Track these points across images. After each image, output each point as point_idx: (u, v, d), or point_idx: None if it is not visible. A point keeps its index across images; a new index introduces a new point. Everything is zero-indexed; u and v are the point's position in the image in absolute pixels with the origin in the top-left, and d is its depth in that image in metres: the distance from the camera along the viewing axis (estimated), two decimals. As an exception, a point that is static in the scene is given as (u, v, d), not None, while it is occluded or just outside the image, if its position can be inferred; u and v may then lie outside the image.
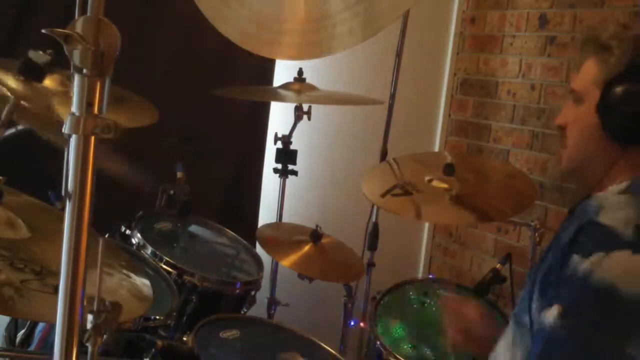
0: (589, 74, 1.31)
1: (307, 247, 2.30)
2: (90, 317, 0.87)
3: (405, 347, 1.98)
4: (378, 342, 1.93)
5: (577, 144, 1.34)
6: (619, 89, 1.23)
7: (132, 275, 1.44)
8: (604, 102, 1.25)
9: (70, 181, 0.79)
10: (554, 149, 1.47)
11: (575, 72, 1.37)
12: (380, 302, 2.08)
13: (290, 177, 2.60)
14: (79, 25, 0.76)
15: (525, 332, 1.27)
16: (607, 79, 1.25)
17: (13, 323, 1.85)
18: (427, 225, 3.36)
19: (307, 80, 2.48)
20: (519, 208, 2.05)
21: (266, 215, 2.87)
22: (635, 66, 1.24)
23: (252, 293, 2.21)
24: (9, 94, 1.48)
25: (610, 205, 1.23)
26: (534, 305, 1.23)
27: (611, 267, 1.12)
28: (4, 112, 1.46)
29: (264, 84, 2.77)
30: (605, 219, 1.20)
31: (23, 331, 1.78)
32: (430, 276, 3.08)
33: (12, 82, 1.52)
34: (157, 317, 1.83)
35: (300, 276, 2.29)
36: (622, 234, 1.16)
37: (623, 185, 1.26)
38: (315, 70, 2.54)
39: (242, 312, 2.19)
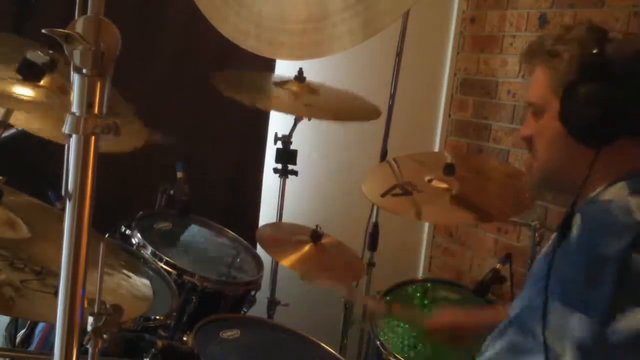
0: (541, 83, 1.30)
1: (307, 247, 2.30)
2: (90, 319, 0.87)
3: (405, 347, 1.98)
4: (378, 342, 1.93)
5: (547, 154, 1.32)
6: (577, 93, 1.21)
7: (132, 275, 1.44)
8: (566, 109, 1.23)
9: (70, 181, 0.79)
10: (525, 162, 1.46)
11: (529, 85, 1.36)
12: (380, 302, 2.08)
13: (290, 177, 2.60)
14: (79, 25, 0.76)
15: (530, 340, 1.22)
16: (562, 85, 1.24)
17: (13, 323, 1.86)
18: (427, 225, 3.35)
19: (308, 80, 2.48)
20: (519, 208, 2.05)
21: (266, 215, 2.87)
22: (586, 66, 1.22)
23: (252, 293, 2.21)
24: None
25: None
26: (556, 316, 1.17)
27: None
28: (3, 113, 1.46)
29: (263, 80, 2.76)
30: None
31: (23, 331, 1.78)
32: (430, 276, 3.08)
33: (11, 82, 1.52)
34: (157, 317, 1.83)
35: (301, 276, 2.29)
36: None
37: (600, 189, 1.24)
38: (315, 70, 2.54)
39: (242, 312, 2.20)
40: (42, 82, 1.46)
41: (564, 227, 1.22)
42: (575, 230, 1.20)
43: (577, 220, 1.20)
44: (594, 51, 1.22)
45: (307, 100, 2.42)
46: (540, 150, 1.33)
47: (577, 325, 1.12)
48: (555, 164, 1.32)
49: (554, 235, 1.35)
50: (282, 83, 2.50)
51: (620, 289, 1.08)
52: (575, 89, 1.22)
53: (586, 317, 1.11)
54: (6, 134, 1.54)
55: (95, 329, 0.86)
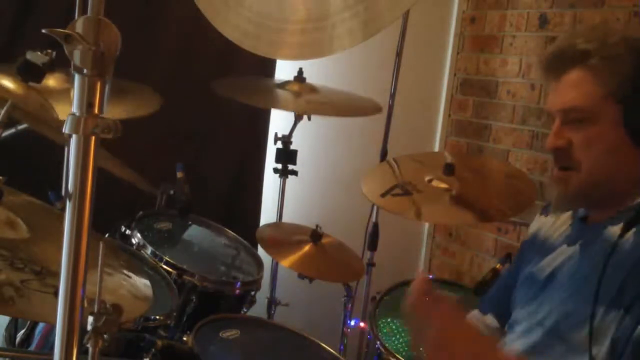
0: (588, 89, 1.19)
1: (307, 247, 2.30)
2: (90, 319, 0.87)
3: (405, 347, 1.98)
4: (378, 342, 1.93)
5: (601, 164, 1.20)
6: None
7: (132, 275, 1.44)
8: (632, 115, 1.14)
9: (70, 181, 0.79)
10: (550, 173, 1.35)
11: (554, 90, 1.25)
12: (380, 302, 2.09)
13: (290, 177, 2.60)
14: (79, 25, 0.76)
15: (574, 348, 1.17)
16: (621, 89, 1.15)
17: (13, 323, 1.85)
18: (427, 225, 3.36)
19: (307, 80, 2.48)
20: (519, 208, 2.04)
21: (266, 215, 2.87)
22: None
23: (252, 293, 2.21)
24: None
25: None
26: (610, 315, 1.12)
27: None
28: (3, 113, 1.46)
29: (264, 85, 2.76)
30: None
31: (23, 331, 1.78)
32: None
33: (10, 82, 1.52)
34: (157, 317, 1.83)
35: (300, 276, 2.29)
36: None
37: None
38: (315, 70, 2.54)
39: (242, 312, 2.20)
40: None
41: (630, 225, 1.14)
42: (630, 240, 1.14)
43: (629, 231, 1.14)
44: None
45: (308, 98, 2.43)
46: (589, 160, 1.21)
47: (616, 323, 1.10)
48: (609, 173, 1.21)
49: (567, 247, 1.31)
50: (283, 84, 2.51)
51: None
52: (637, 91, 1.13)
53: (626, 314, 1.09)
54: (6, 133, 1.54)
55: (96, 329, 0.86)
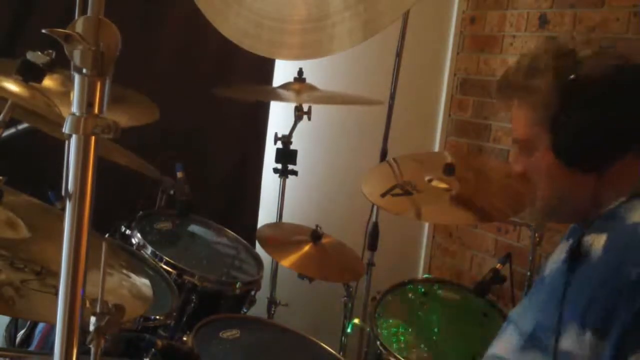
0: (524, 119, 1.26)
1: (307, 247, 2.30)
2: (92, 319, 0.87)
3: (405, 347, 1.98)
4: (378, 342, 1.93)
5: (548, 188, 1.28)
6: (565, 123, 1.18)
7: (132, 275, 1.44)
8: (558, 141, 1.20)
9: (70, 181, 0.79)
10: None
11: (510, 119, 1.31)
12: (380, 302, 2.09)
13: (290, 177, 2.60)
14: (79, 25, 0.76)
15: (548, 357, 1.17)
16: (547, 117, 1.20)
17: (13, 323, 1.86)
18: (427, 225, 3.35)
19: (307, 80, 2.48)
20: (519, 208, 2.05)
21: (266, 215, 2.87)
22: (567, 95, 1.18)
23: (252, 293, 2.21)
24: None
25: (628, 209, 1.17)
26: (572, 337, 1.13)
27: None
28: (3, 112, 1.46)
29: (263, 84, 2.77)
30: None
31: (23, 331, 1.78)
32: (430, 276, 3.08)
33: (11, 82, 1.53)
34: (157, 317, 1.83)
35: (300, 276, 2.29)
36: None
37: (617, 203, 1.20)
38: (315, 70, 2.54)
39: (242, 312, 2.20)
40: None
41: (577, 252, 1.18)
42: (598, 249, 1.15)
43: (600, 239, 1.16)
44: (571, 77, 1.18)
45: (309, 94, 2.43)
46: (540, 184, 1.29)
47: (590, 346, 1.09)
48: (559, 195, 1.27)
49: (563, 244, 1.32)
50: (283, 86, 2.51)
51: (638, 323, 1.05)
52: (563, 119, 1.18)
53: (601, 340, 1.08)
54: (6, 133, 1.54)
55: (98, 329, 0.86)
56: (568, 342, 1.13)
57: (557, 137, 1.20)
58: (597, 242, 1.17)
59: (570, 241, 1.30)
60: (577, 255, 1.18)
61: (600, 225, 1.19)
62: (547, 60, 1.22)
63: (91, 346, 0.86)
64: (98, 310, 0.86)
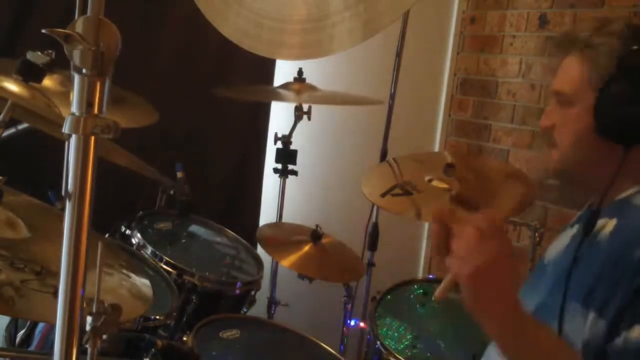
0: (575, 73, 1.25)
1: (307, 247, 2.30)
2: (89, 319, 0.87)
3: (405, 347, 1.98)
4: (378, 342, 1.93)
5: (571, 146, 1.27)
6: (617, 90, 1.17)
7: (132, 275, 1.44)
8: (602, 105, 1.19)
9: (70, 181, 0.79)
10: (539, 148, 1.40)
11: (556, 72, 1.30)
12: (380, 302, 2.08)
13: (290, 177, 2.60)
14: (79, 25, 0.76)
15: None
16: (599, 78, 1.19)
17: (13, 323, 1.85)
18: (427, 225, 3.35)
19: (307, 80, 2.48)
20: (519, 208, 2.04)
21: (266, 215, 2.87)
22: (626, 62, 1.18)
23: (252, 293, 2.21)
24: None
25: None
26: (576, 318, 1.13)
27: None
28: (3, 113, 1.46)
29: (263, 84, 2.77)
30: None
31: (23, 331, 1.78)
32: (430, 276, 3.08)
33: (11, 82, 1.53)
34: (157, 317, 1.83)
35: (300, 276, 2.29)
36: None
37: (633, 191, 1.20)
38: (315, 70, 2.54)
39: (242, 312, 2.20)
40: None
41: (589, 226, 1.18)
42: (607, 233, 1.16)
43: (610, 222, 1.17)
44: (634, 47, 1.18)
45: (309, 94, 2.43)
46: (564, 142, 1.28)
47: (589, 325, 1.10)
48: (578, 157, 1.27)
49: (568, 231, 1.33)
50: (283, 86, 2.51)
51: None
52: (616, 84, 1.17)
53: (599, 318, 1.09)
54: (6, 133, 1.54)
55: (94, 329, 0.86)
56: (572, 324, 1.13)
57: (600, 99, 1.19)
58: (607, 226, 1.18)
59: (576, 228, 1.31)
60: (589, 230, 1.17)
61: (611, 211, 1.20)
62: (618, 26, 1.22)
63: (88, 346, 0.86)
64: (94, 310, 0.86)
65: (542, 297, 1.26)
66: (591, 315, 1.11)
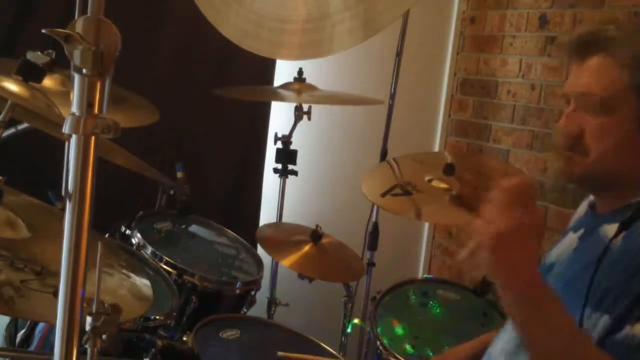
0: (607, 75, 1.17)
1: (307, 247, 2.30)
2: (89, 319, 0.87)
3: (405, 347, 1.98)
4: (378, 342, 1.93)
5: (610, 155, 1.18)
6: None
7: (132, 275, 1.44)
8: None
9: (70, 181, 0.79)
10: (553, 150, 1.31)
11: (575, 73, 1.23)
12: (380, 302, 2.08)
13: (290, 177, 2.60)
14: (79, 25, 0.76)
15: None
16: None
17: (13, 323, 1.86)
18: (427, 225, 3.35)
19: (307, 80, 2.48)
20: (519, 208, 2.04)
21: (266, 215, 2.87)
22: None
23: (252, 293, 2.21)
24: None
25: None
26: (592, 317, 1.09)
27: None
28: (3, 113, 1.46)
29: (264, 84, 2.77)
30: None
31: (23, 331, 1.78)
32: (430, 276, 3.08)
33: (11, 82, 1.53)
34: (157, 317, 1.83)
35: (300, 276, 2.29)
36: None
37: None
38: (315, 70, 2.55)
39: (242, 312, 2.20)
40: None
41: (625, 224, 1.12)
42: (619, 238, 1.12)
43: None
44: None
45: (309, 93, 2.43)
46: (599, 149, 1.18)
47: (592, 322, 1.08)
48: (616, 165, 1.19)
49: (571, 235, 1.30)
50: (283, 86, 2.51)
51: None
52: None
53: (603, 314, 1.07)
54: (6, 133, 1.54)
55: (94, 329, 0.86)
56: (589, 330, 1.09)
57: None
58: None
59: (580, 232, 1.27)
60: (627, 224, 1.12)
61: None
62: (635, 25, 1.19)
63: (87, 346, 0.86)
64: (94, 310, 0.86)
65: None
66: (595, 315, 1.09)
